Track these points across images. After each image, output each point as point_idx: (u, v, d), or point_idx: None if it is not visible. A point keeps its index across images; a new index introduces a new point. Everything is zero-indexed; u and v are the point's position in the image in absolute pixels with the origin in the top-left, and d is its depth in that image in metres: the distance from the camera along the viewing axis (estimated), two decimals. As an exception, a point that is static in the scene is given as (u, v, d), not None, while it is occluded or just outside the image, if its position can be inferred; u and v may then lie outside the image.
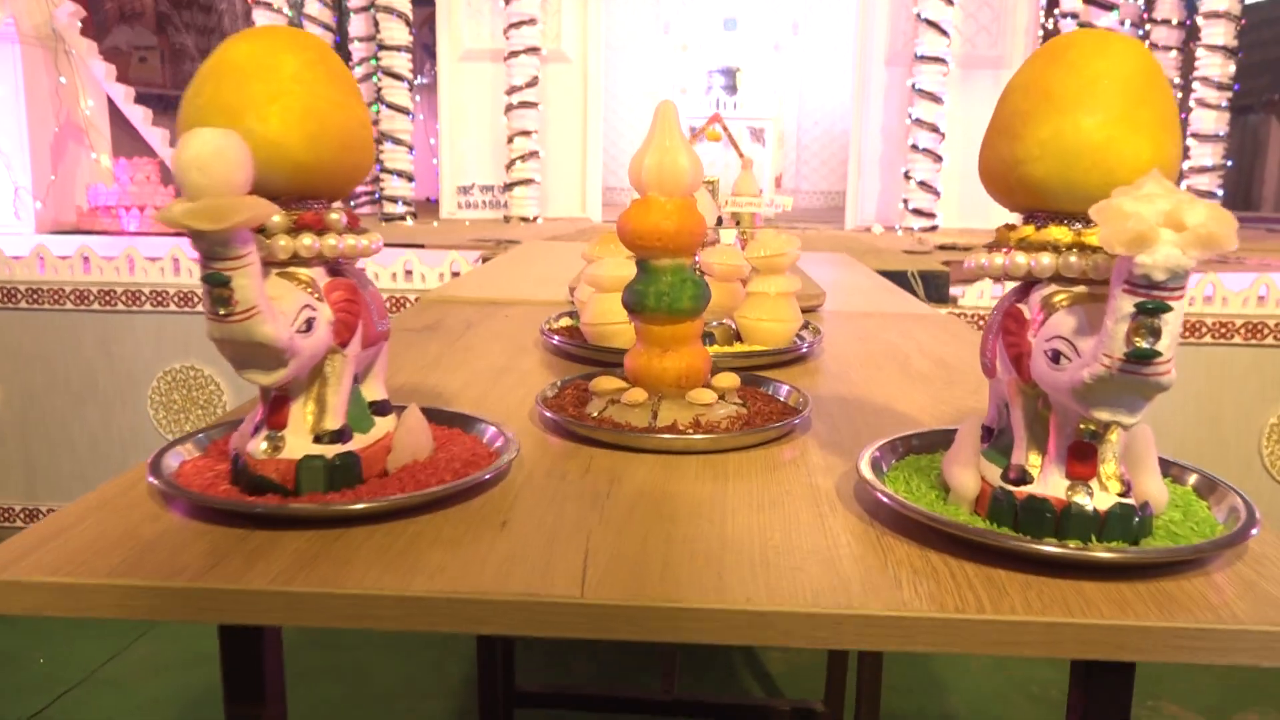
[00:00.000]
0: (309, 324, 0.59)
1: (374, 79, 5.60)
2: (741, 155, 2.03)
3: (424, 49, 7.12)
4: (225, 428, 0.71)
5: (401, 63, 5.36)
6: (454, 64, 5.92)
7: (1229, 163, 5.44)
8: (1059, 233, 0.57)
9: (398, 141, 5.42)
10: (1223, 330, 2.46)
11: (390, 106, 5.35)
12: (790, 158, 9.61)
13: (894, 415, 0.86)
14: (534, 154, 5.52)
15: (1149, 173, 0.50)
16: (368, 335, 0.64)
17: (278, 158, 0.58)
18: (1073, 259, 0.56)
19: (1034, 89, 0.57)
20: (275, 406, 0.62)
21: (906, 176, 5.52)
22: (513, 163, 5.53)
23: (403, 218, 5.48)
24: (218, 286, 0.53)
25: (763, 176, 7.50)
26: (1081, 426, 0.57)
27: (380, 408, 0.68)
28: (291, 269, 0.60)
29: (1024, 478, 0.58)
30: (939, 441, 0.72)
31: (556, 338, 1.08)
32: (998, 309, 0.63)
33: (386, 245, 2.91)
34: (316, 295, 0.60)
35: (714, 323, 1.12)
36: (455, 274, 2.73)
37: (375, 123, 5.74)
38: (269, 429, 0.61)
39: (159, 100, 7.14)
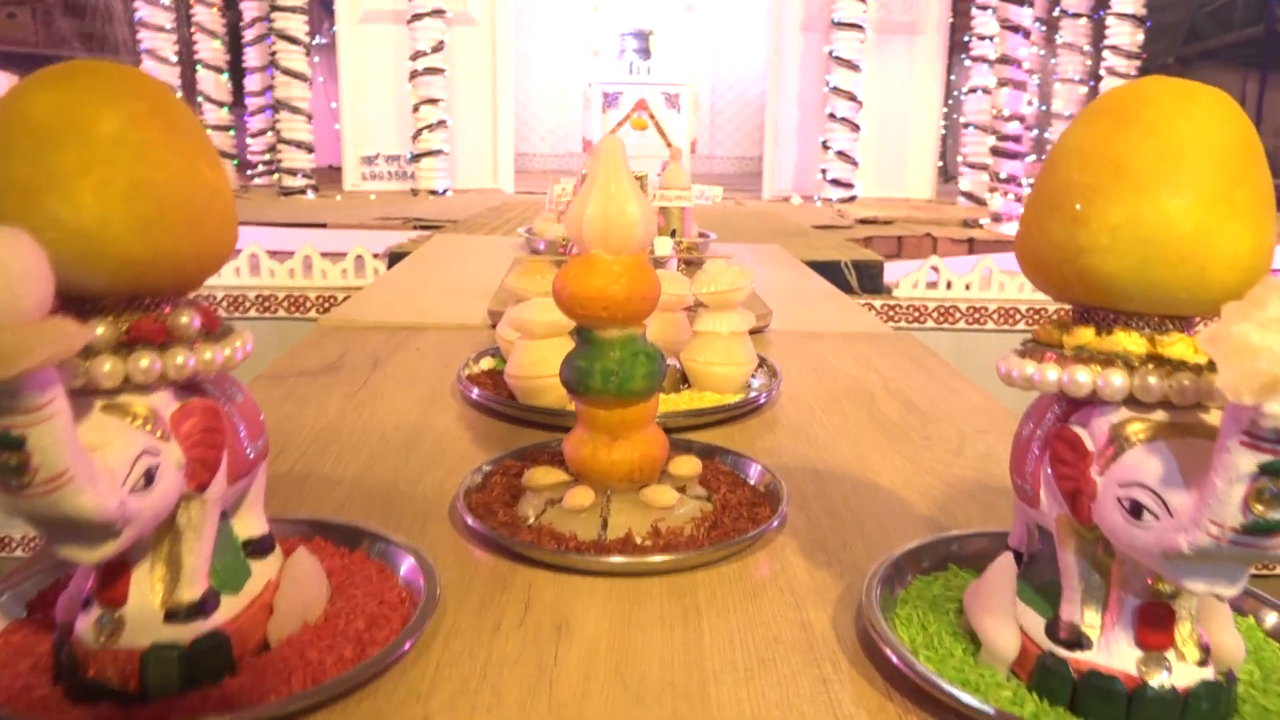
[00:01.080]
0: (149, 476, 0.43)
1: (267, 41, 5.26)
2: (670, 145, 1.89)
3: (323, 6, 6.74)
4: (54, 571, 0.55)
5: (297, 25, 5.03)
6: (353, 26, 5.60)
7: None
8: (1130, 341, 0.45)
9: (295, 110, 5.12)
10: (1156, 318, 2.44)
11: (286, 72, 5.04)
12: (704, 123, 9.48)
13: (876, 494, 0.74)
14: (442, 123, 5.28)
15: (1264, 280, 0.38)
16: (236, 467, 0.49)
17: (96, 252, 0.42)
18: (1152, 380, 0.44)
19: (1100, 158, 0.44)
20: (109, 575, 0.46)
21: (825, 146, 5.45)
22: (419, 133, 5.27)
23: (302, 191, 5.19)
24: (6, 450, 0.37)
25: (678, 144, 7.37)
26: (1158, 586, 0.45)
27: (260, 546, 0.53)
28: (123, 399, 0.44)
29: (1079, 640, 0.47)
30: (949, 554, 0.61)
31: (476, 390, 0.94)
32: (1033, 416, 0.51)
33: (285, 225, 2.71)
34: (160, 433, 0.44)
35: (658, 364, 0.99)
36: (360, 268, 2.53)
37: (270, 88, 5.41)
38: (101, 606, 0.46)
39: (27, 60, 6.62)
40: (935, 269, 2.46)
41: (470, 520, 0.65)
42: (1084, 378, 0.45)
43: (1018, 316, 2.49)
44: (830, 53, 5.37)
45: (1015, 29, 4.16)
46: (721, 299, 0.96)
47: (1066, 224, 0.45)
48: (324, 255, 3.57)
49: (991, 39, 5.23)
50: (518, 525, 0.65)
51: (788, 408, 0.96)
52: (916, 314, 2.44)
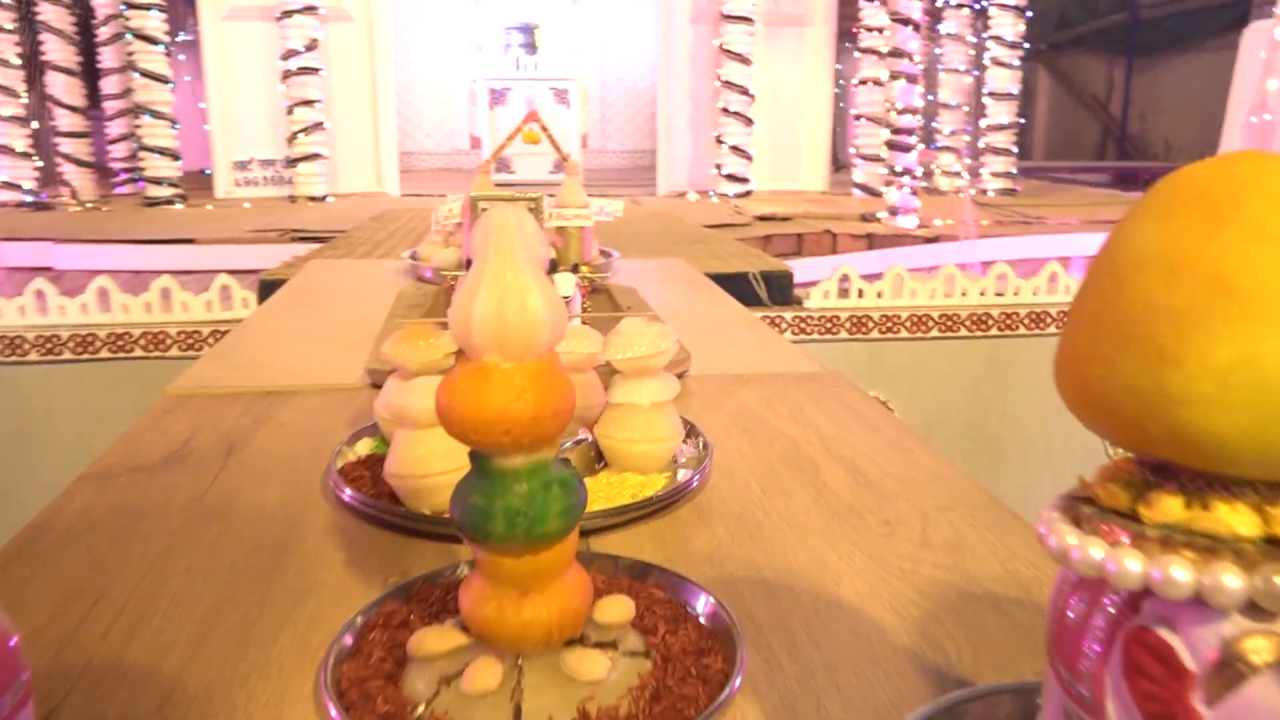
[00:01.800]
0: None
1: (125, 40, 4.88)
2: (565, 159, 1.74)
3: (185, 0, 6.33)
4: None
5: (155, 23, 4.68)
6: (218, 23, 5.26)
7: (1022, 120, 5.59)
8: (1238, 519, 0.33)
9: (157, 115, 4.77)
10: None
11: (145, 74, 4.69)
12: (594, 117, 9.34)
13: (843, 617, 0.62)
14: (319, 126, 5.00)
15: None
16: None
17: None
18: (1278, 579, 0.32)
19: (1192, 271, 0.32)
20: None
21: (719, 141, 5.37)
22: (295, 136, 4.98)
23: (169, 201, 4.85)
24: None
25: (569, 140, 7.20)
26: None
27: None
28: None
29: None
30: (955, 733, 0.48)
31: (348, 491, 0.77)
32: (1083, 590, 0.39)
33: (149, 242, 2.46)
34: None
35: (566, 443, 0.85)
36: (226, 299, 2.30)
37: (130, 90, 5.04)
38: None
39: None
40: (846, 277, 2.38)
41: (337, 716, 0.50)
42: (1183, 577, 0.32)
43: (930, 324, 2.43)
44: (720, 45, 5.29)
45: (905, 21, 4.14)
46: (641, 365, 0.82)
47: (1149, 364, 0.32)
48: (191, 274, 3.30)
49: (880, 31, 5.23)
50: (403, 718, 0.50)
51: (722, 487, 0.83)
52: (829, 325, 2.36)
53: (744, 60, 5.26)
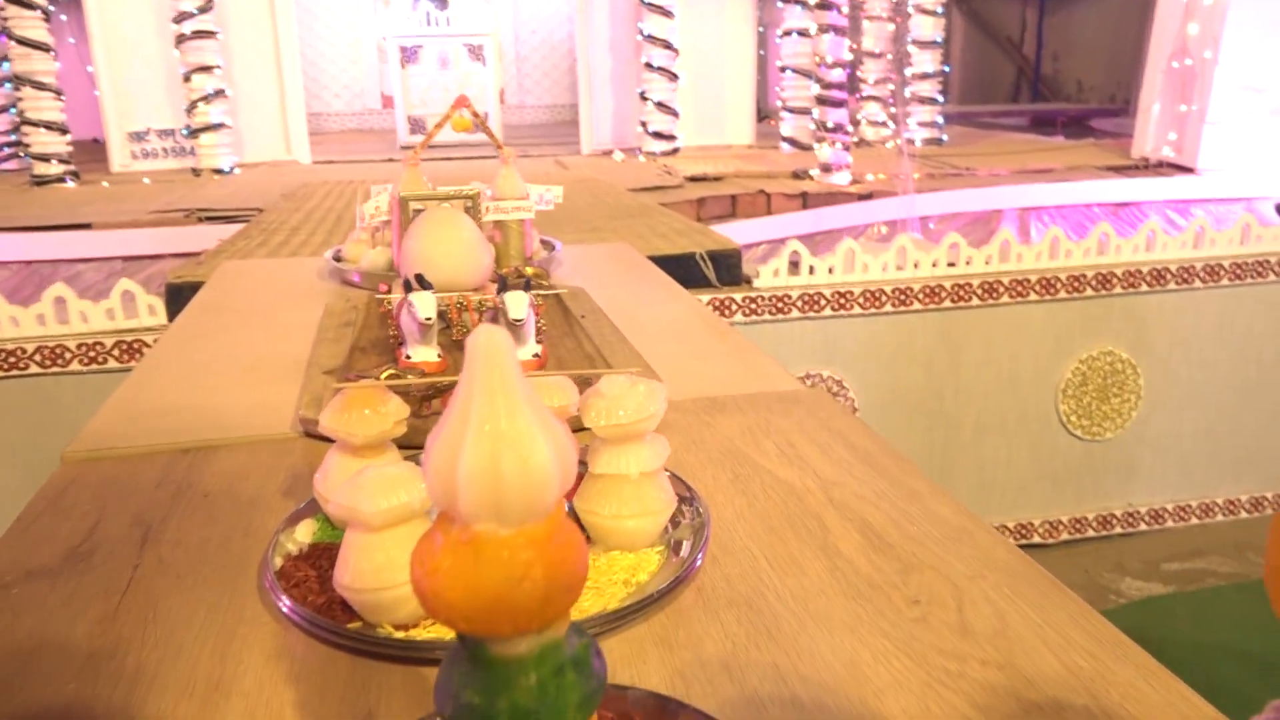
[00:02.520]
0: None
1: (-5, 8, 4.50)
2: (501, 147, 1.60)
3: (64, -43, 5.88)
4: None
5: (29, -13, 4.32)
6: (101, -17, 4.89)
7: (947, 68, 5.55)
8: None
9: (39, 86, 4.43)
10: (1019, 289, 2.37)
11: (23, 43, 4.33)
12: (510, 72, 9.07)
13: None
14: (220, 94, 4.70)
15: None
16: None
17: None
18: None
19: None
20: None
21: (643, 98, 5.21)
22: (194, 105, 4.68)
23: (60, 179, 4.53)
24: None
25: (486, 97, 6.97)
26: None
27: None
28: None
29: None
30: None
31: (288, 603, 0.66)
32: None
33: (36, 229, 2.26)
34: None
35: (546, 519, 0.73)
36: (130, 304, 2.10)
37: (6, 59, 4.67)
38: None
39: None
40: (796, 254, 2.29)
41: None
42: None
43: (883, 299, 2.36)
44: (642, -1, 5.11)
45: (833, -28, 4.03)
46: (626, 432, 0.71)
47: None
48: (89, 262, 3.07)
49: (802, -20, 5.11)
50: None
51: (724, 561, 0.73)
52: (780, 304, 2.27)
53: (665, 13, 5.10)
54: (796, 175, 4.26)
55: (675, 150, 5.25)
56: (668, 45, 5.15)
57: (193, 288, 2.05)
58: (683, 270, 1.91)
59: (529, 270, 1.47)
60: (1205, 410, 2.67)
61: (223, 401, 1.09)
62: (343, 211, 3.09)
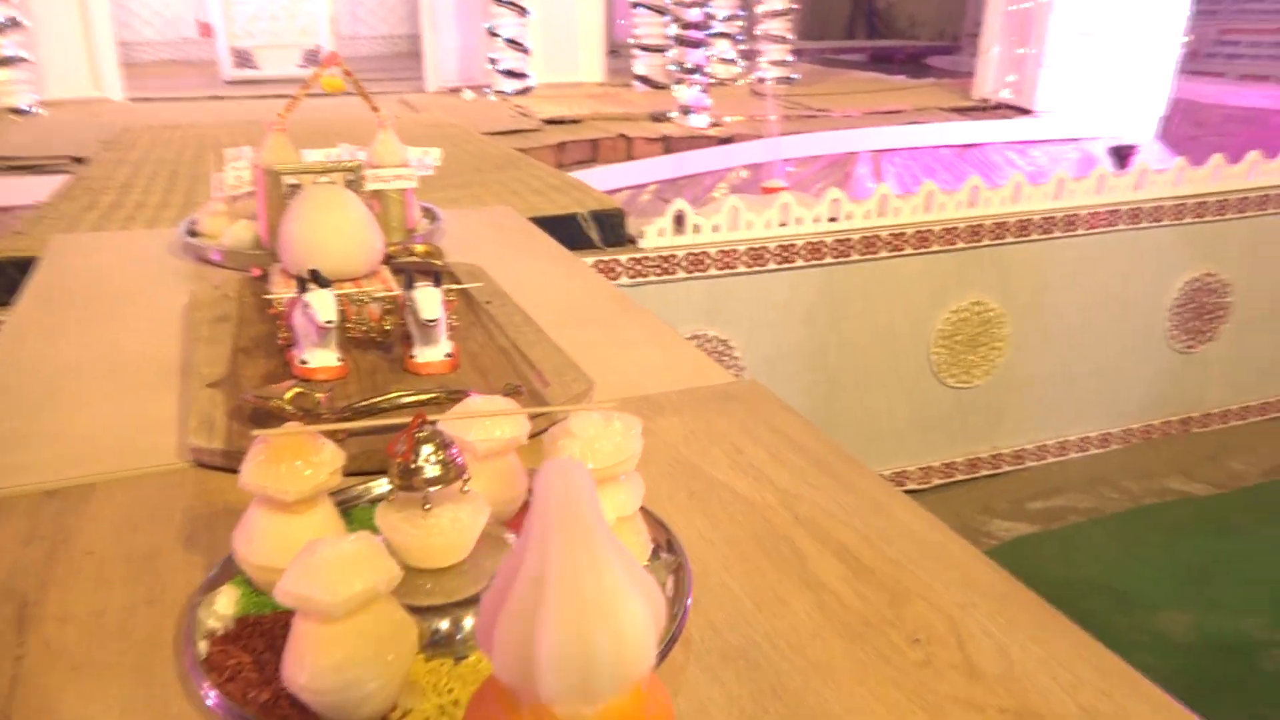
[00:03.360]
0: None
1: None
2: (376, 109, 1.46)
3: None
4: None
5: None
6: None
7: (796, 5, 5.55)
8: None
9: None
10: (896, 243, 2.39)
11: None
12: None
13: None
14: (15, 23, 4.20)
15: None
16: None
17: None
18: None
19: None
20: None
21: (492, 33, 4.99)
22: (-15, 38, 4.17)
23: None
24: None
25: (319, 28, 6.55)
26: None
27: None
28: None
29: None
30: None
31: (222, 701, 0.56)
32: None
33: None
34: None
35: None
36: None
37: None
38: None
39: None
40: (681, 213, 2.23)
41: None
42: None
43: (766, 256, 2.34)
44: (487, -73, 4.86)
45: (689, -94, 3.92)
46: (603, 475, 0.64)
47: None
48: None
49: (653, -89, 4.97)
50: None
51: (708, 606, 0.68)
52: (666, 265, 2.21)
53: (513, -57, 4.87)
54: (655, 118, 4.19)
55: (527, 89, 5.07)
56: (516, -23, 4.93)
57: (16, 266, 1.82)
58: (565, 232, 1.82)
59: (418, 249, 1.35)
60: (1061, 354, 2.81)
61: (86, 424, 0.95)
62: (176, 164, 2.82)
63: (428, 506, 0.64)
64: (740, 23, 5.92)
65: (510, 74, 5.03)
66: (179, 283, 1.38)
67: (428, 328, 0.99)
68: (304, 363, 0.99)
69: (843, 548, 0.75)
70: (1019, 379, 2.75)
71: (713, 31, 5.81)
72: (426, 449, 0.64)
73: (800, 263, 2.36)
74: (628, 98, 5.11)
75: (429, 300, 0.98)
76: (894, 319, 2.53)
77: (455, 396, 0.88)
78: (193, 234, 1.53)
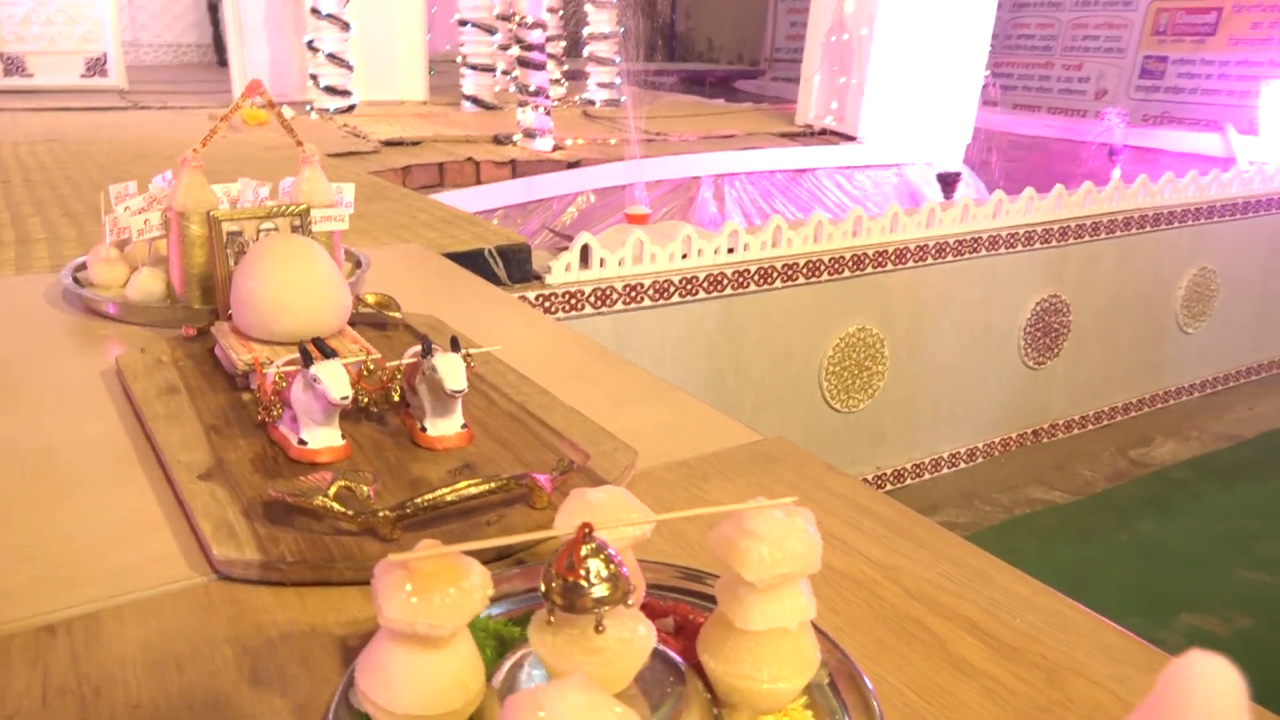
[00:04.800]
0: None
1: None
2: (302, 144, 1.32)
3: None
4: None
5: None
6: None
7: (623, 28, 5.59)
8: None
9: None
10: (790, 273, 2.42)
11: None
12: (121, 2, 7.87)
13: None
14: None
15: None
16: None
17: None
18: None
19: None
20: None
21: (311, 48, 4.73)
22: None
23: None
24: None
25: (103, 34, 6.02)
26: None
27: None
28: None
29: None
30: None
31: None
32: None
33: None
34: None
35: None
36: None
37: None
38: None
39: None
40: (587, 246, 2.16)
41: None
42: None
43: (671, 289, 2.31)
44: (304, -64, 4.60)
45: (528, -74, 3.86)
46: (790, 578, 0.59)
47: None
48: None
49: (481, -71, 4.87)
50: None
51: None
52: (573, 301, 2.14)
53: (333, -46, 4.63)
54: (499, 140, 4.09)
55: (351, 107, 4.83)
56: (337, -10, 4.69)
57: None
58: (471, 269, 1.73)
59: (369, 299, 1.24)
60: (934, 375, 2.95)
61: (55, 535, 0.79)
62: (92, 254, 2.47)
63: (601, 629, 0.56)
64: (563, 44, 5.91)
65: (332, 91, 4.78)
66: (76, 344, 1.20)
67: (449, 399, 0.90)
68: (303, 443, 0.87)
69: (971, 624, 0.72)
70: (898, 400, 2.87)
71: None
72: (595, 564, 0.56)
73: (701, 295, 2.35)
74: (457, 118, 4.97)
75: (453, 369, 0.88)
76: (788, 347, 2.57)
77: (523, 482, 0.79)
78: (79, 282, 1.33)
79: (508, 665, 0.62)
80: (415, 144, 3.98)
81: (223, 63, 7.50)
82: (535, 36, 4.03)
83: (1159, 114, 6.62)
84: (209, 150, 1.21)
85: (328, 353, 0.86)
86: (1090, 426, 3.43)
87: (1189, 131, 5.37)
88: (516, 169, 3.83)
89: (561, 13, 5.83)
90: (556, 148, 4.10)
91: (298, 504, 0.74)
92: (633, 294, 2.22)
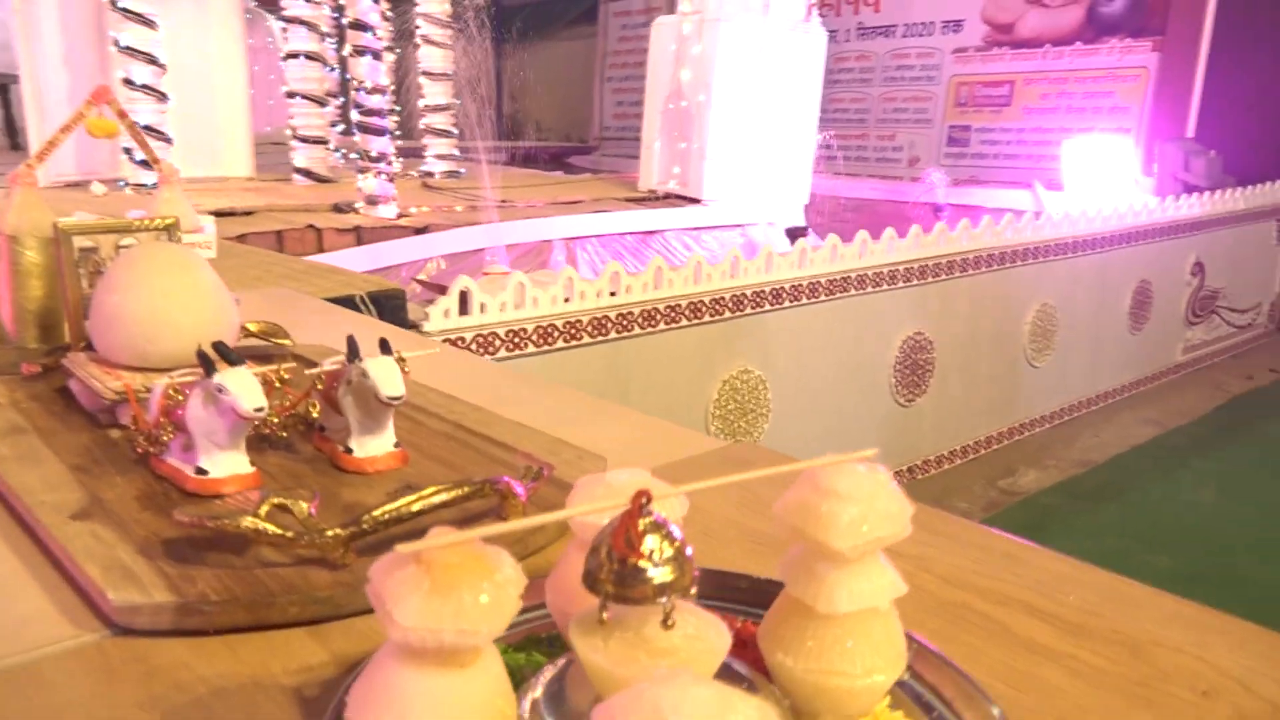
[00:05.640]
0: None
1: None
2: (158, 161, 1.16)
3: None
4: None
5: None
6: None
7: (459, 100, 5.52)
8: None
9: None
10: (673, 314, 2.35)
11: None
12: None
13: None
14: None
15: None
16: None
17: None
18: None
19: None
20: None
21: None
22: None
23: None
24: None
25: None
26: None
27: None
28: None
29: None
30: None
31: None
32: None
33: None
34: None
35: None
36: None
37: None
38: None
39: None
40: (466, 291, 2.02)
41: None
42: None
43: (555, 334, 2.19)
44: (115, 3, 4.32)
45: (363, -9, 3.75)
46: (881, 546, 0.49)
47: None
48: None
49: (309, -1, 4.74)
50: None
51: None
52: (455, 347, 1.99)
53: (148, 23, 4.37)
54: (340, 209, 3.90)
55: (171, 182, 4.52)
56: (153, 60, 4.41)
57: None
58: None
59: (251, 325, 1.08)
60: (814, 414, 2.93)
61: None
62: None
63: (671, 623, 0.45)
64: (396, 118, 5.78)
65: (149, 165, 4.46)
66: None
67: (383, 409, 0.76)
68: (203, 472, 0.71)
69: (1027, 606, 0.64)
70: (781, 441, 2.83)
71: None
72: (656, 542, 0.45)
73: (586, 339, 2.25)
74: (290, 192, 4.74)
75: (388, 373, 0.74)
76: (674, 390, 2.49)
77: (497, 486, 0.66)
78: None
79: (528, 702, 0.49)
80: (248, 214, 3.75)
81: (15, 146, 6.95)
82: (375, 101, 3.90)
83: (967, 178, 7.10)
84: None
85: (233, 359, 0.71)
86: (959, 460, 3.52)
87: (1002, 189, 5.76)
88: (361, 236, 3.65)
89: (394, 87, 5.72)
90: (401, 215, 3.94)
91: (220, 530, 0.58)
92: (516, 340, 2.10)
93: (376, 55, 3.87)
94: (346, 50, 4.00)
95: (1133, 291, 4.20)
